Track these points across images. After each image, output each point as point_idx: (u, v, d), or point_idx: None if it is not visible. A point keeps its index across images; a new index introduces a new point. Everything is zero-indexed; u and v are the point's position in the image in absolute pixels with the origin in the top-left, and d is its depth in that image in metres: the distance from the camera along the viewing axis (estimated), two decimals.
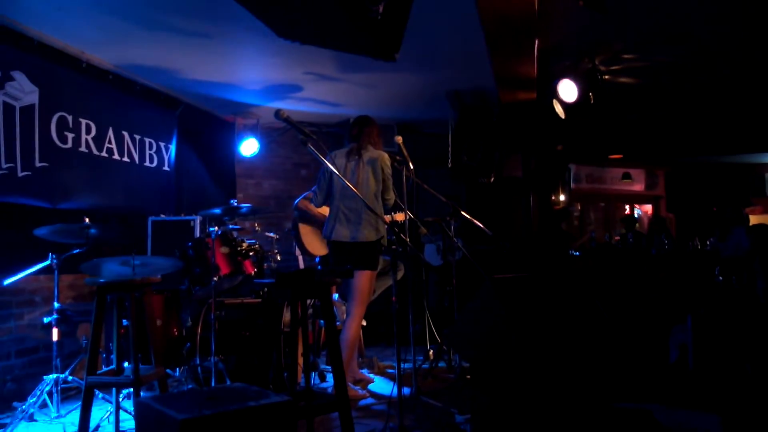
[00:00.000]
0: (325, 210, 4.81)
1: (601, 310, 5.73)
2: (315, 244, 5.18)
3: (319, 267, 5.10)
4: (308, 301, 4.50)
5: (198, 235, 5.12)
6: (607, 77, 6.02)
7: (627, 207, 12.61)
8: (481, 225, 4.81)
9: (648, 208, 12.88)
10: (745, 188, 11.88)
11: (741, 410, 4.14)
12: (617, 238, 9.62)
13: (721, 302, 5.42)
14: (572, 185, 11.22)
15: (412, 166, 4.44)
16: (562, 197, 10.04)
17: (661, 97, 7.59)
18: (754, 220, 9.07)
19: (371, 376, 4.99)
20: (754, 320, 5.17)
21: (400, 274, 4.99)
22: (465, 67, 5.55)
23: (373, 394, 4.52)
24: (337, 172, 3.75)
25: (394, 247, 3.88)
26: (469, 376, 4.76)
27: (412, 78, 5.75)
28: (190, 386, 4.37)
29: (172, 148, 5.93)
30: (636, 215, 12.25)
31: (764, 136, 8.79)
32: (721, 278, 5.58)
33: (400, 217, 4.78)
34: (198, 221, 5.20)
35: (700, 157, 11.18)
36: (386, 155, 4.47)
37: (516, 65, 5.24)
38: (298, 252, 5.46)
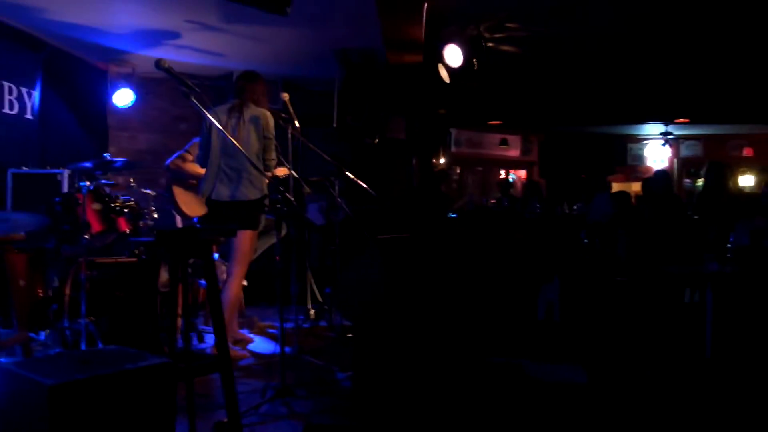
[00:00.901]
0: (198, 169, 4.63)
1: (475, 269, 5.98)
2: (191, 205, 5.00)
3: (198, 226, 4.94)
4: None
5: (66, 190, 4.78)
6: (490, 45, 6.17)
7: (503, 172, 13.15)
8: (365, 185, 4.83)
9: (522, 173, 13.50)
10: (610, 157, 12.76)
11: (603, 360, 4.50)
12: (493, 201, 10.02)
13: (586, 263, 5.81)
14: (453, 149, 11.53)
15: (297, 125, 4.36)
16: (442, 160, 10.29)
17: (540, 68, 7.91)
18: (616, 187, 9.76)
19: (251, 336, 4.94)
20: (614, 280, 5.60)
21: (282, 233, 4.94)
22: (355, 26, 5.49)
23: (254, 354, 4.49)
24: (221, 128, 3.61)
25: (278, 206, 3.82)
26: (350, 335, 4.84)
27: (301, 34, 5.61)
28: (56, 350, 4.13)
29: (36, 94, 5.45)
30: (511, 180, 12.81)
31: (627, 110, 9.43)
32: (586, 241, 5.96)
33: (281, 171, 4.65)
34: (66, 175, 4.85)
35: (571, 126, 11.85)
36: (270, 114, 4.34)
37: (404, 27, 5.26)
38: (175, 210, 5.26)
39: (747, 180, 10.39)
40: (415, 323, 3.51)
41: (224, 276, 4.53)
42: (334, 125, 6.56)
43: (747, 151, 12.82)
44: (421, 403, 3.23)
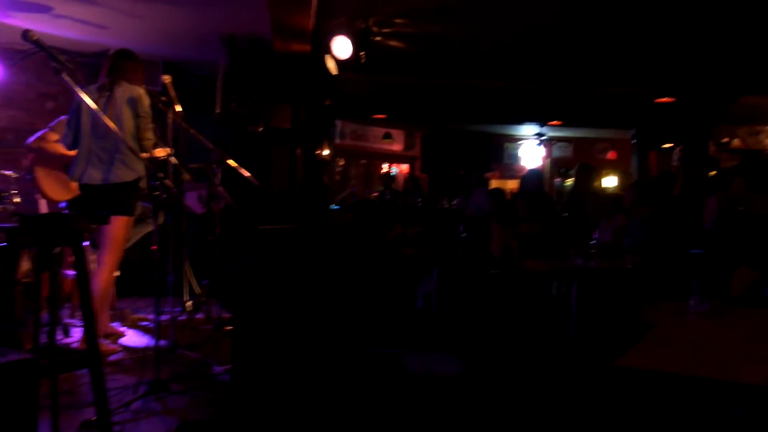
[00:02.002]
0: (62, 149, 4.33)
1: (358, 261, 6.01)
2: (56, 189, 4.68)
3: (65, 212, 4.62)
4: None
5: None
6: (378, 39, 6.23)
7: (386, 165, 13.33)
8: (247, 174, 4.73)
9: (405, 167, 13.76)
10: (488, 155, 13.27)
11: (478, 351, 4.68)
12: (376, 194, 10.14)
13: (463, 256, 6.01)
14: (337, 140, 11.54)
15: (178, 109, 4.19)
16: (326, 151, 10.27)
17: (425, 65, 8.08)
18: (493, 184, 10.18)
19: (123, 329, 4.71)
20: (488, 273, 5.83)
21: (160, 221, 4.73)
22: (242, 11, 5.33)
23: (126, 348, 4.28)
24: (95, 107, 3.39)
25: (156, 193, 3.65)
26: (229, 327, 4.72)
27: (186, 15, 5.38)
28: None
29: None
30: (393, 173, 13.02)
31: (505, 111, 9.84)
32: (464, 234, 6.16)
33: (161, 152, 4.43)
34: None
35: (452, 124, 12.20)
36: (144, 92, 4.12)
37: (293, 15, 5.18)
38: (39, 195, 4.89)
39: (610, 181, 11.16)
40: (295, 316, 3.48)
41: (94, 265, 4.27)
42: (218, 111, 6.36)
43: (611, 154, 13.79)
44: (299, 396, 3.22)
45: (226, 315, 4.88)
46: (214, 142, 4.74)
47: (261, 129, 6.57)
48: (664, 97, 9.19)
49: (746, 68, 8.16)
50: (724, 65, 7.98)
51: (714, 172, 7.52)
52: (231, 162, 4.72)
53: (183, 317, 5.04)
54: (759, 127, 10.49)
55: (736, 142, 10.45)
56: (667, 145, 10.49)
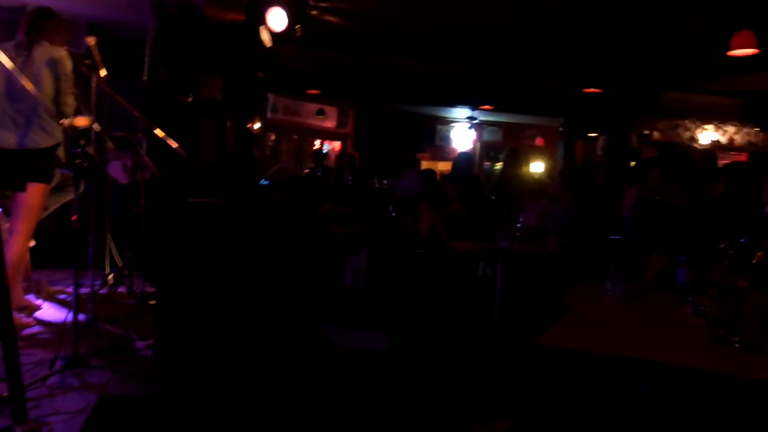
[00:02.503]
0: None
1: (288, 237, 5.96)
2: None
3: None
4: None
5: None
6: (315, 12, 6.13)
7: (318, 142, 13.23)
8: (175, 145, 4.59)
9: (337, 144, 13.68)
10: (420, 136, 13.36)
11: (404, 328, 4.75)
12: (307, 171, 10.06)
13: (391, 236, 6.06)
14: (269, 115, 11.34)
15: (103, 73, 4.01)
16: (257, 125, 10.09)
17: (361, 42, 8.03)
18: (423, 165, 10.26)
19: (39, 302, 4.52)
20: (416, 252, 5.90)
21: (80, 190, 4.53)
22: None
23: (42, 323, 4.11)
24: (11, 65, 3.21)
25: (77, 161, 3.49)
26: (152, 302, 4.60)
27: None
28: None
29: None
30: (325, 150, 12.92)
31: (438, 92, 9.92)
32: (394, 214, 6.21)
33: (81, 121, 4.22)
34: None
35: (386, 103, 12.20)
36: (66, 54, 3.91)
37: None
38: None
39: (537, 166, 11.46)
40: (221, 290, 3.43)
41: (6, 235, 4.07)
42: (145, 78, 6.12)
43: (539, 141, 14.15)
44: (224, 372, 3.19)
45: (150, 289, 4.75)
46: (141, 111, 4.58)
47: (190, 99, 6.38)
48: (591, 88, 9.49)
49: (667, 65, 8.53)
50: (647, 61, 8.32)
51: (634, 163, 7.84)
52: (158, 132, 4.57)
53: (104, 291, 4.88)
54: (677, 121, 10.98)
55: (656, 134, 10.90)
56: (592, 135, 10.85)
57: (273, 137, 12.18)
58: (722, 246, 2.11)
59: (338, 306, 5.50)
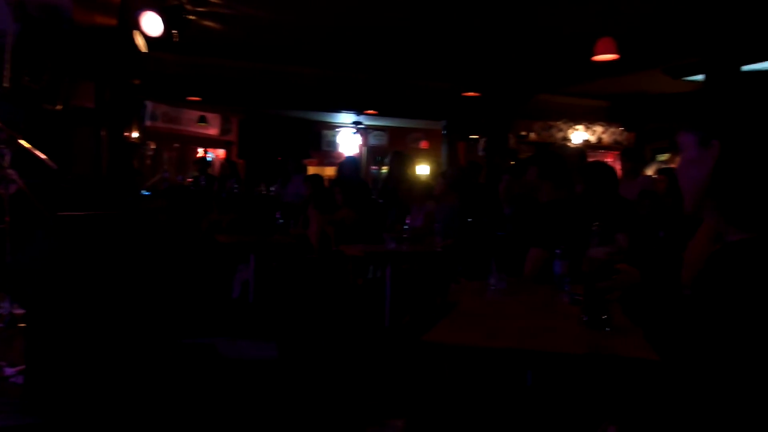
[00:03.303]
0: None
1: (171, 249, 5.75)
2: None
3: None
4: None
5: None
6: (192, 18, 5.96)
7: (201, 150, 12.84)
8: (43, 156, 4.31)
9: (221, 152, 13.35)
10: (306, 142, 13.30)
11: (294, 335, 4.69)
12: (190, 180, 9.73)
13: (280, 243, 5.99)
14: (147, 123, 10.89)
15: None
16: (135, 134, 9.65)
17: (242, 48, 7.88)
18: (311, 170, 10.22)
19: None
20: (305, 258, 5.87)
21: None
22: None
23: None
24: None
25: None
26: (22, 324, 4.28)
27: None
28: None
29: None
30: (209, 158, 12.57)
31: (323, 98, 9.92)
32: (281, 221, 6.14)
33: None
34: None
35: (270, 109, 12.05)
36: None
37: None
38: None
39: (423, 169, 11.71)
40: (97, 309, 3.25)
41: None
42: (6, 85, 5.69)
43: (424, 144, 14.46)
44: (104, 395, 3.02)
45: (18, 311, 4.41)
46: (3, 120, 4.25)
47: (59, 107, 6.00)
48: (470, 92, 9.84)
49: (540, 70, 9.00)
50: (522, 66, 8.74)
51: (513, 163, 8.18)
52: (23, 142, 4.27)
53: None
54: (551, 123, 11.59)
55: (532, 135, 11.44)
56: (473, 137, 11.23)
57: (153, 146, 11.68)
58: (594, 228, 2.21)
59: (227, 317, 5.37)
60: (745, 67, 7.19)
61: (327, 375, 3.89)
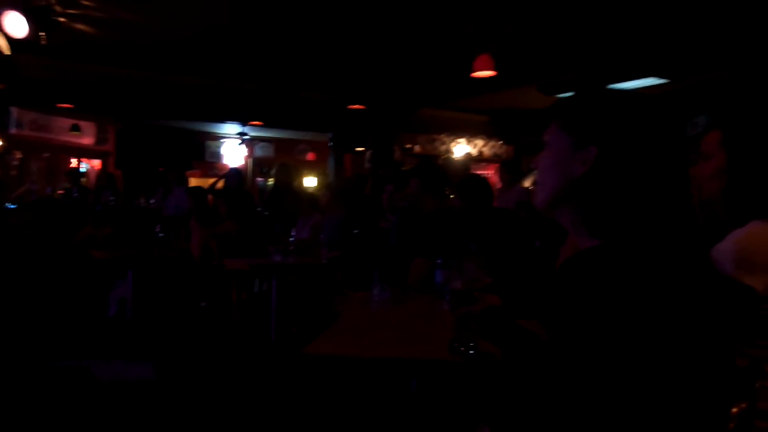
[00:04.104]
0: None
1: (39, 266, 5.39)
2: None
3: None
4: None
5: None
6: (63, 20, 5.64)
7: (74, 160, 12.12)
8: None
9: (97, 162, 12.67)
10: (188, 153, 12.89)
11: (174, 353, 4.51)
12: (61, 191, 9.17)
13: (160, 258, 5.76)
14: (13, 131, 10.15)
15: None
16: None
17: (118, 53, 7.54)
18: (193, 182, 9.92)
19: None
20: (187, 273, 5.67)
21: None
22: None
23: None
24: None
25: None
26: None
27: None
28: None
29: None
30: (83, 169, 11.90)
31: (207, 108, 9.67)
32: (162, 235, 5.91)
33: None
34: None
35: (151, 118, 11.59)
36: None
37: None
38: None
39: (310, 181, 11.65)
40: None
41: None
42: None
43: (311, 156, 14.43)
44: None
45: None
46: None
47: None
48: (356, 104, 9.94)
49: (423, 85, 9.24)
50: (405, 80, 8.93)
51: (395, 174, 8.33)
52: None
53: None
54: (435, 136, 11.91)
55: (417, 148, 11.70)
56: (359, 149, 11.34)
57: (19, 156, 10.90)
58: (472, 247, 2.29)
59: (103, 337, 5.09)
60: (612, 86, 7.74)
61: (208, 394, 3.77)
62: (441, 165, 8.49)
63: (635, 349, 1.02)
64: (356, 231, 5.35)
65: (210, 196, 7.01)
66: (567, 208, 1.26)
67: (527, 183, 8.12)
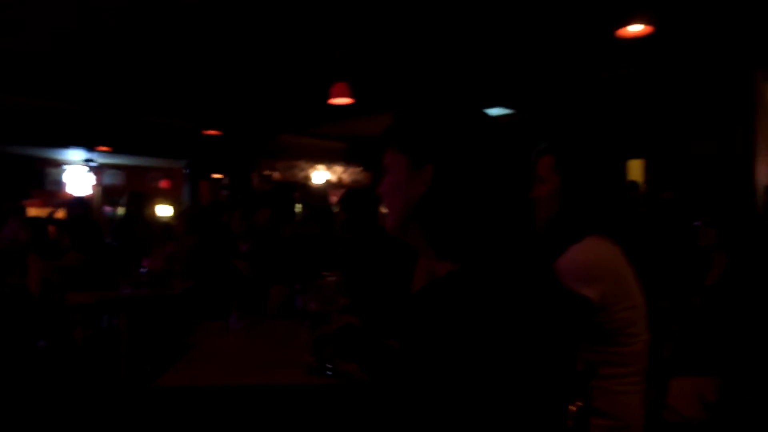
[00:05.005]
0: None
1: None
2: None
3: None
4: None
5: None
6: None
7: None
8: None
9: None
10: (27, 181, 11.90)
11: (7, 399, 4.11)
12: None
13: None
14: None
15: None
16: None
17: None
18: (33, 212, 9.18)
19: None
20: (24, 311, 5.22)
21: None
22: None
23: None
24: None
25: None
26: None
27: None
28: None
29: None
30: None
31: (47, 133, 9.04)
32: None
33: None
34: None
35: None
36: None
37: None
38: None
39: (165, 209, 11.18)
40: None
41: None
42: None
43: (165, 183, 13.85)
44: None
45: None
46: None
47: None
48: (211, 129, 9.73)
49: (281, 111, 9.24)
50: (263, 106, 8.88)
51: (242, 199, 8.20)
52: None
53: None
54: (294, 162, 11.91)
55: (276, 174, 11.63)
56: (216, 176, 11.07)
57: None
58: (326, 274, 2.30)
59: None
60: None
61: None
62: (298, 191, 8.48)
63: (481, 365, 1.06)
64: (213, 260, 5.19)
65: (52, 227, 6.53)
66: (414, 229, 1.25)
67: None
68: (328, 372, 1.97)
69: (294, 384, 2.01)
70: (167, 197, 12.27)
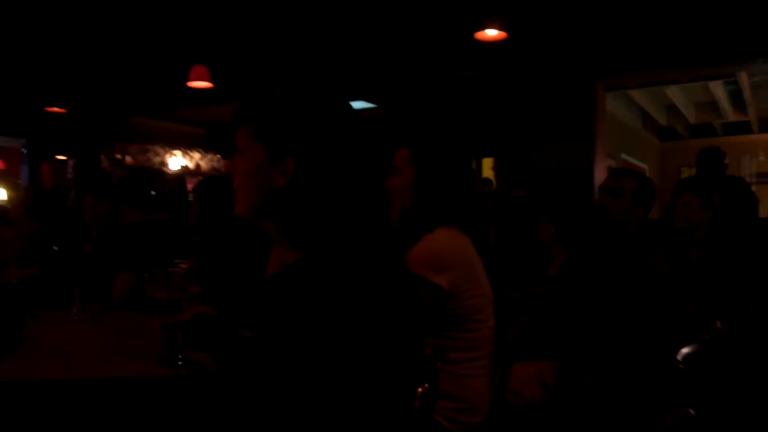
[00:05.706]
0: None
1: None
2: None
3: None
4: None
5: None
6: None
7: None
8: None
9: None
10: None
11: None
12: None
13: None
14: None
15: None
16: None
17: None
18: None
19: None
20: None
21: None
22: None
23: None
24: None
25: None
26: None
27: None
28: None
29: None
30: None
31: None
32: None
33: None
34: None
35: None
36: None
37: None
38: None
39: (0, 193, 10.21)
40: None
41: None
42: None
43: (0, 164, 12.67)
44: None
45: None
46: None
47: None
48: (55, 106, 9.01)
49: (135, 90, 8.74)
50: (115, 84, 8.35)
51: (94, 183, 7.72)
52: None
53: None
54: (148, 146, 11.34)
55: (128, 158, 11.02)
56: (60, 157, 10.29)
57: None
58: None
59: None
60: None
61: None
62: (151, 177, 8.11)
63: (324, 349, 1.08)
64: (55, 247, 4.83)
65: None
66: (270, 217, 1.26)
67: None
68: (179, 362, 1.91)
69: (142, 375, 1.92)
70: (2, 179, 11.23)
